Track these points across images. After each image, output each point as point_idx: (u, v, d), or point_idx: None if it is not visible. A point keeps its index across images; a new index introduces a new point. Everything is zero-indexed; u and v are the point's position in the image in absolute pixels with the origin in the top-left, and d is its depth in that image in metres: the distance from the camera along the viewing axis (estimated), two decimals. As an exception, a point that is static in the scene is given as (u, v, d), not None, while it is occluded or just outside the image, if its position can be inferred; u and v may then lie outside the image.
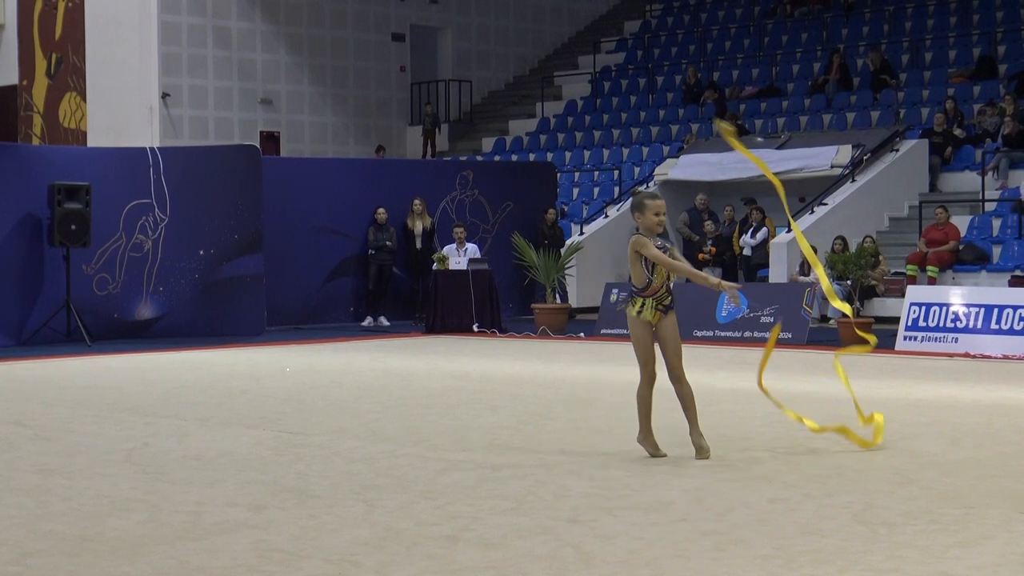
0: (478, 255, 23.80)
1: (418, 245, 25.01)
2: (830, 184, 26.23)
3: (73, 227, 21.22)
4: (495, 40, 40.21)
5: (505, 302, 24.57)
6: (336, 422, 12.21)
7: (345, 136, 37.30)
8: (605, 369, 17.13)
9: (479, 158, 33.90)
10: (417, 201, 25.06)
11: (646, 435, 10.06)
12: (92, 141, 34.07)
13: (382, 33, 38.04)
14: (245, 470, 9.62)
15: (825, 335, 21.14)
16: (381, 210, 24.55)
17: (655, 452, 10.01)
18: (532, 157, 33.50)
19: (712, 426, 11.65)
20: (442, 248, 24.02)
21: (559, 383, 15.42)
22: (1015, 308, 18.55)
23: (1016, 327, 18.44)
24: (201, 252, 22.70)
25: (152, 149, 23.73)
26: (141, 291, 22.51)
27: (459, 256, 23.55)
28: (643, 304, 10.00)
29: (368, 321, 24.46)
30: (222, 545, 7.34)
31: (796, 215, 25.54)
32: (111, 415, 12.80)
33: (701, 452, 9.90)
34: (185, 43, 34.43)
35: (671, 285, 10.15)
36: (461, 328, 22.84)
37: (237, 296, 22.61)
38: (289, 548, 7.25)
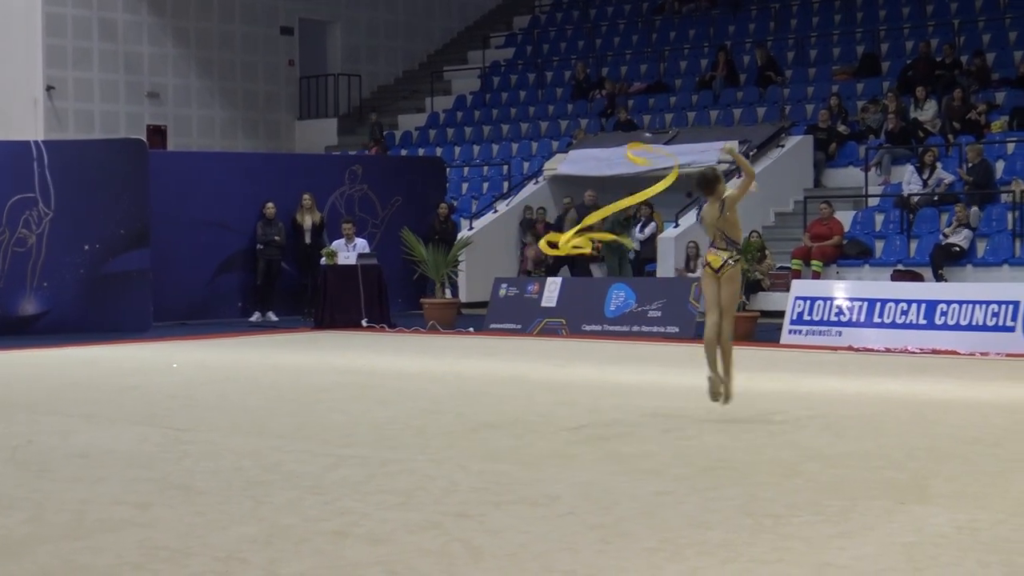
0: (367, 250, 23.72)
1: (307, 240, 24.86)
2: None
3: (-45, 222, 20.87)
4: (384, 34, 40.11)
5: (394, 297, 24.50)
6: (224, 418, 12.12)
7: (233, 130, 37.01)
8: (494, 363, 17.16)
9: (368, 153, 33.78)
10: (306, 196, 24.92)
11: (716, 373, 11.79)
12: (-25, 134, 33.53)
13: (270, 26, 37.80)
14: (131, 467, 9.53)
15: (712, 329, 21.31)
16: (270, 205, 24.38)
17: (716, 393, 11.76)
18: (421, 152, 33.45)
19: (599, 420, 11.74)
20: (331, 243, 23.91)
21: (448, 378, 15.43)
22: (897, 302, 18.85)
23: (898, 320, 18.73)
24: (86, 247, 22.42)
25: (36, 142, 23.38)
26: (25, 287, 22.18)
27: (348, 251, 23.47)
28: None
29: (256, 316, 24.28)
30: (108, 543, 7.26)
31: (683, 210, 25.75)
32: (-6, 412, 12.62)
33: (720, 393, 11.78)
34: (70, 35, 33.99)
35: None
36: (350, 323, 22.76)
37: (123, 291, 22.35)
38: (176, 546, 7.20)
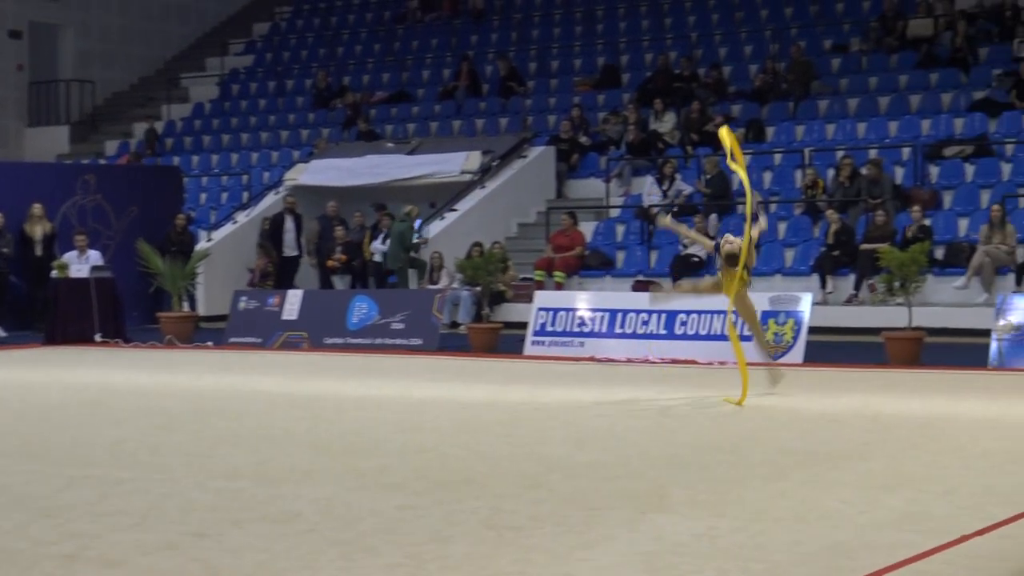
0: (101, 262, 23.21)
1: (37, 252, 24.21)
2: (460, 190, 26.62)
3: None
4: (119, 39, 39.27)
5: (130, 311, 23.99)
6: (-53, 439, 11.73)
7: (-42, 137, 35.89)
8: (233, 378, 16.96)
9: (102, 161, 33.08)
10: (36, 206, 24.27)
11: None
12: None
13: (-2, 30, 36.73)
14: None
15: (456, 341, 21.46)
16: (-3, 215, 23.69)
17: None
18: (158, 161, 32.88)
19: (341, 434, 11.71)
20: (63, 255, 23.33)
21: (186, 394, 15.20)
22: (637, 312, 19.19)
23: (639, 331, 19.08)
24: None
25: None
26: None
27: (80, 263, 22.93)
28: None
29: (-17, 332, 23.57)
30: None
31: (427, 220, 25.83)
32: None
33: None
34: None
35: None
36: (83, 338, 22.21)
37: None
38: None
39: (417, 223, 25.29)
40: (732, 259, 13.78)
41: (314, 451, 10.74)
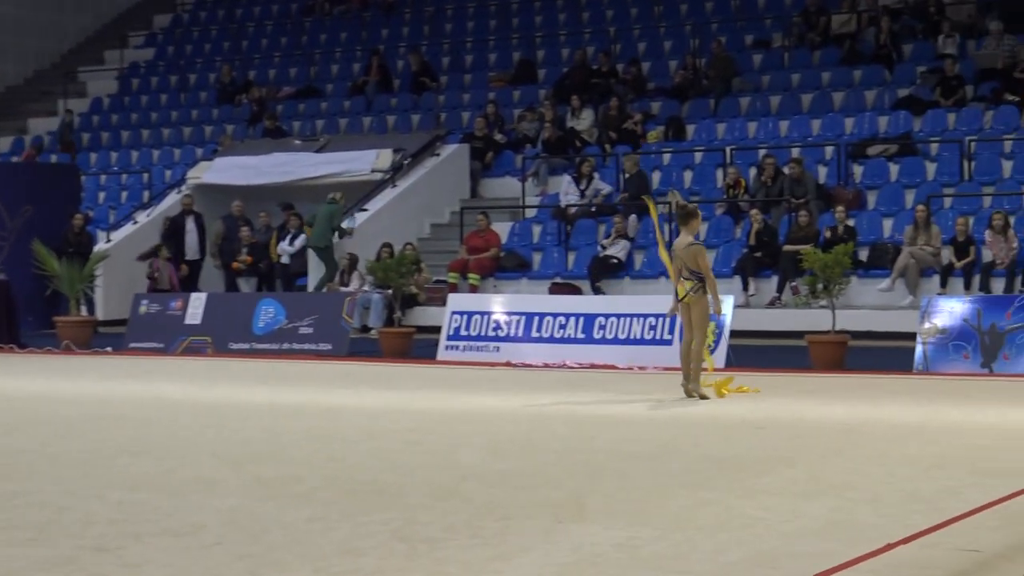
0: (-6, 264, 23.00)
1: (-74, 253, 23.95)
2: (371, 189, 26.55)
3: None
4: (12, 31, 38.83)
5: (25, 315, 23.75)
6: None
7: None
8: (134, 385, 16.84)
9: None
10: (-76, 206, 24.01)
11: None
12: None
13: None
14: None
15: (366, 346, 21.42)
16: None
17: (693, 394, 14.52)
18: (54, 158, 32.56)
19: (247, 443, 11.66)
20: (-47, 257, 23.09)
21: (84, 400, 15.07)
22: (555, 316, 19.25)
23: (556, 335, 19.12)
24: None
25: None
26: None
27: (-28, 265, 22.70)
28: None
29: None
30: None
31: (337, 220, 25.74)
32: None
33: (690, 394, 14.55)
34: None
35: None
36: (-25, 344, 22.02)
37: None
38: None
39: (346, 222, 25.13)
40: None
41: (219, 460, 10.68)
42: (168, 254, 25.87)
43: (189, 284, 25.92)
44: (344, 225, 24.89)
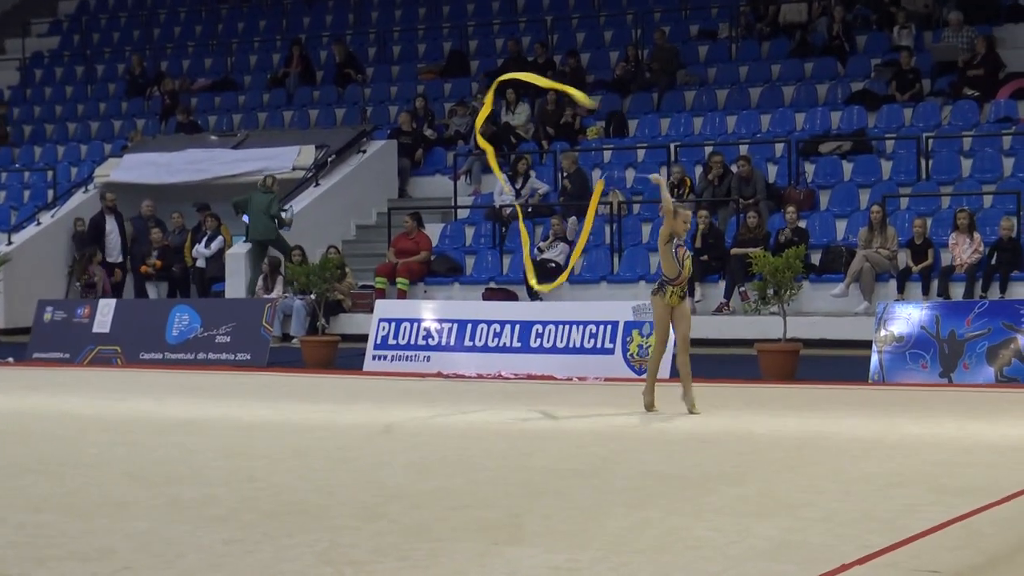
0: None
1: None
2: (292, 188, 26.47)
3: None
4: (-96, 18, 38.54)
5: (-81, 323, 23.59)
6: None
7: None
8: (37, 398, 16.72)
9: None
10: None
11: (648, 391, 14.46)
12: None
13: None
14: None
15: (288, 356, 21.35)
16: None
17: (650, 407, 14.38)
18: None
19: (160, 461, 11.59)
20: None
21: (-17, 416, 14.95)
22: (489, 323, 19.25)
23: (490, 343, 19.12)
24: None
25: None
26: None
27: None
28: (671, 291, 14.50)
29: None
30: None
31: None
32: None
33: (693, 408, 14.21)
34: None
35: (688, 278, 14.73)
36: None
37: None
38: None
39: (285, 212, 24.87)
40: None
41: (129, 480, 10.61)
42: (100, 258, 25.75)
43: (115, 290, 25.76)
44: (284, 215, 24.63)
